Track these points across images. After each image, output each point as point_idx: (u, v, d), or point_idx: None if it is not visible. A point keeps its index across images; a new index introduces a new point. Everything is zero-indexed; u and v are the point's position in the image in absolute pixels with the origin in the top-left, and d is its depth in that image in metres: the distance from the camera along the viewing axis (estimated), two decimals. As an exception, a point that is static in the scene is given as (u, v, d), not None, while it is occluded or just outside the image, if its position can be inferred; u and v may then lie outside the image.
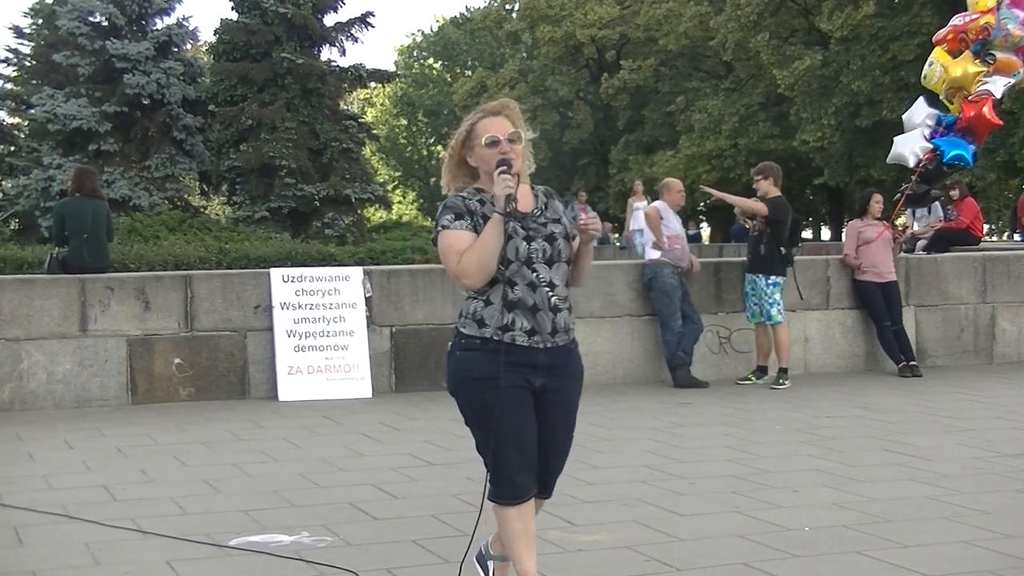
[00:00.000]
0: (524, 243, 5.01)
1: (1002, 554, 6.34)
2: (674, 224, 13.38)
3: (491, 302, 5.03)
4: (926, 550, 6.43)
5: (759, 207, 13.00)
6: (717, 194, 13.32)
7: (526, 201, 5.12)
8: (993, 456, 9.07)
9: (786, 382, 13.02)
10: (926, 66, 15.77)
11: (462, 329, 5.12)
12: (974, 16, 15.37)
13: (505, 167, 4.98)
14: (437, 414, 11.28)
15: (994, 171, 36.33)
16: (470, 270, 4.95)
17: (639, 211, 22.38)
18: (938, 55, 15.54)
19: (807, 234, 59.58)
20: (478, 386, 5.04)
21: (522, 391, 5.06)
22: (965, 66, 15.19)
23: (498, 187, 4.95)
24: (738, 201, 13.33)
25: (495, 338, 5.01)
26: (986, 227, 33.91)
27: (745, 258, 13.62)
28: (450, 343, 5.22)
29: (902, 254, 14.80)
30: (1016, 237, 24.01)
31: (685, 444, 9.72)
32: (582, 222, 5.09)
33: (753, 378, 13.35)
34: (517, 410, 5.06)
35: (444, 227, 5.02)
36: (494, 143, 5.07)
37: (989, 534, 6.75)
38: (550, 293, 5.04)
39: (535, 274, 5.02)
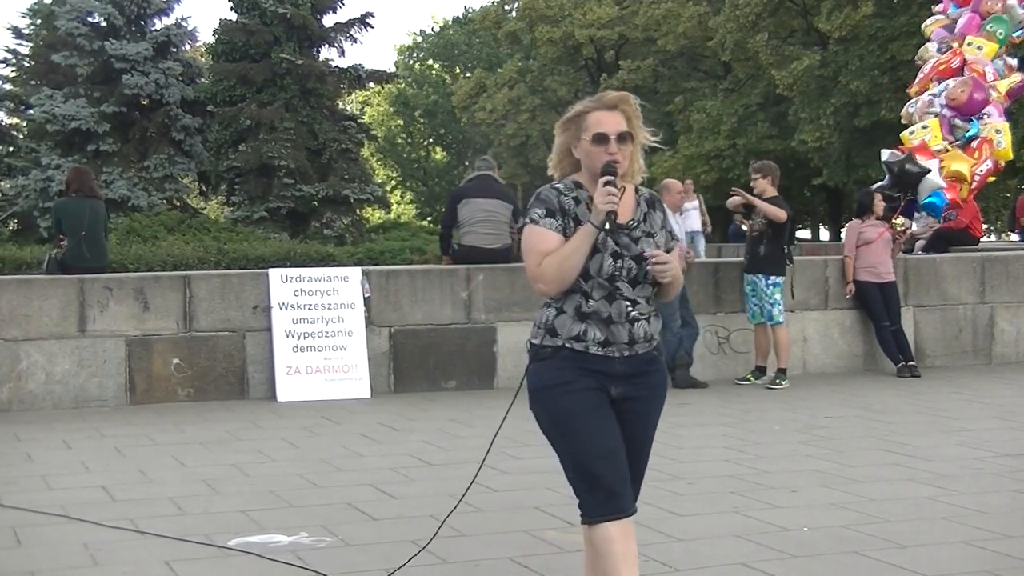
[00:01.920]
0: (611, 259, 4.60)
1: (1000, 554, 6.34)
2: (672, 225, 13.36)
3: (564, 311, 4.66)
4: (924, 550, 6.44)
5: (780, 214, 12.95)
6: (745, 197, 13.24)
7: (625, 208, 4.69)
8: (992, 456, 9.07)
9: (784, 382, 13.02)
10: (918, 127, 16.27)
11: (533, 340, 4.78)
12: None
13: (610, 177, 4.53)
14: (436, 414, 11.29)
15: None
16: (549, 276, 4.58)
17: (691, 212, 21.95)
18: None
19: (806, 234, 59.60)
20: (551, 393, 4.65)
21: (599, 394, 4.64)
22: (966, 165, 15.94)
23: (599, 198, 4.49)
24: (762, 205, 13.19)
25: (567, 346, 4.64)
26: (985, 227, 33.89)
27: (743, 258, 13.62)
28: (526, 361, 4.86)
29: (901, 254, 14.80)
30: (1014, 237, 24.00)
31: (684, 444, 9.71)
32: (650, 262, 4.62)
33: (752, 378, 13.36)
34: (598, 414, 4.63)
35: (533, 221, 4.66)
36: (602, 140, 4.62)
37: (987, 534, 6.75)
38: (629, 308, 4.64)
39: (617, 290, 4.62)
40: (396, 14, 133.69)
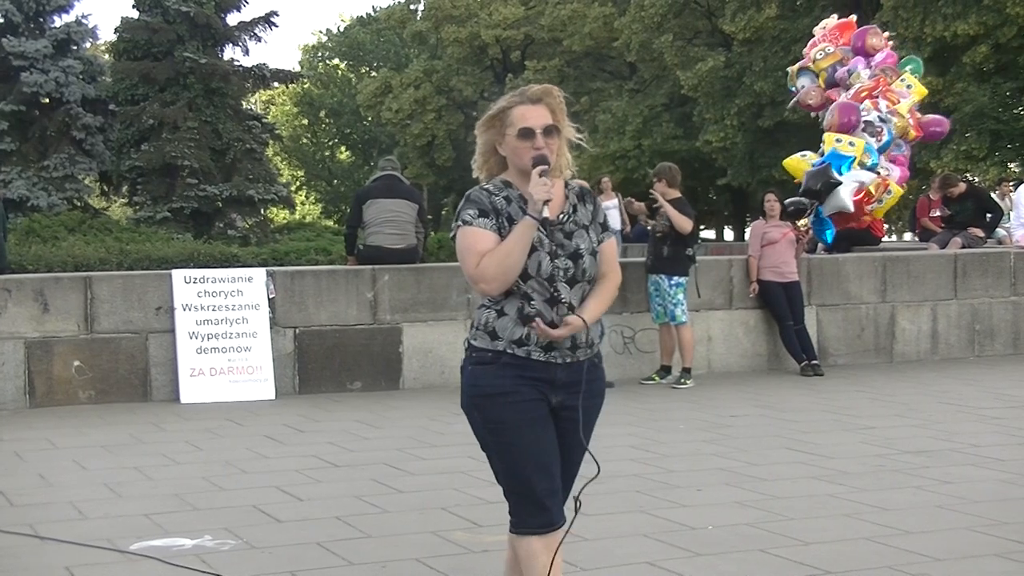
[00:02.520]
0: (548, 259, 4.49)
1: (901, 550, 6.41)
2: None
3: (505, 313, 4.52)
4: (827, 547, 6.49)
5: (686, 224, 13.03)
6: (662, 202, 13.29)
7: (555, 204, 4.56)
8: (894, 453, 9.17)
9: (689, 381, 13.10)
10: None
11: (473, 342, 4.62)
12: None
13: (545, 167, 4.44)
14: (341, 415, 11.24)
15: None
16: (490, 275, 4.43)
17: (611, 211, 21.78)
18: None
19: (710, 234, 60.07)
20: (491, 403, 4.53)
21: (540, 405, 4.57)
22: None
23: (535, 188, 4.39)
24: (672, 213, 13.23)
25: (509, 351, 4.51)
26: (886, 227, 34.37)
27: (647, 259, 13.69)
28: (462, 358, 4.73)
29: (804, 254, 14.94)
30: (915, 237, 24.34)
31: (591, 444, 9.71)
32: (538, 328, 4.47)
33: (657, 378, 13.42)
34: (537, 426, 4.57)
35: (466, 223, 4.50)
36: (527, 135, 4.50)
37: (890, 531, 6.83)
38: (570, 313, 4.50)
39: (555, 292, 4.49)
40: (301, 13, 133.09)
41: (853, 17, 19.64)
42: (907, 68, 17.95)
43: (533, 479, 4.56)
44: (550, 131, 4.53)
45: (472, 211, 4.52)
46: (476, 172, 4.74)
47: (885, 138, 16.98)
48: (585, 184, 4.86)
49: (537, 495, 4.57)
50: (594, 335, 4.64)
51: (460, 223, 4.54)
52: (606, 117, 47.74)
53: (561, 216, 4.58)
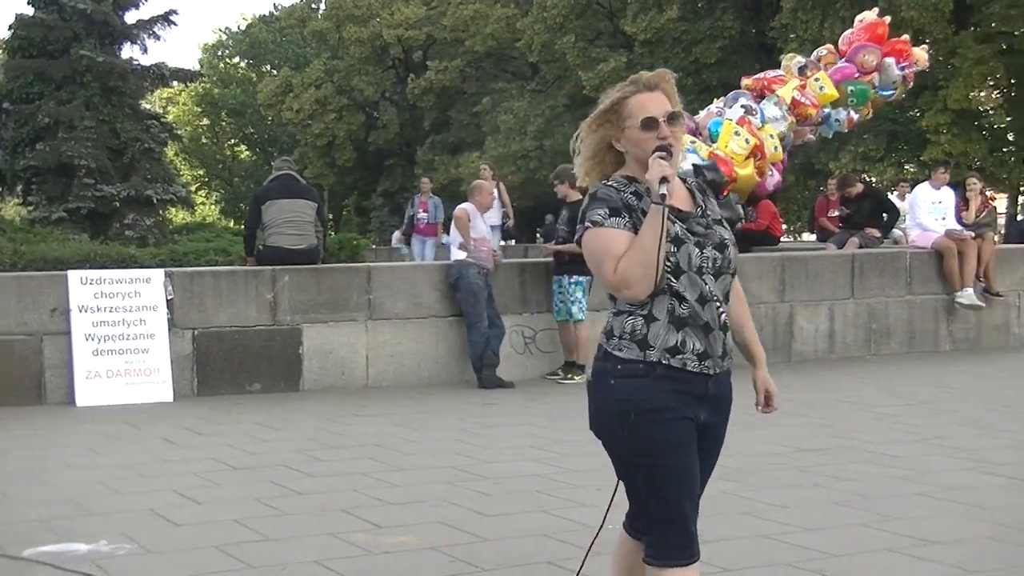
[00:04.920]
0: (696, 250, 4.12)
1: (799, 547, 6.47)
2: (481, 226, 13.50)
3: (655, 318, 4.11)
4: (726, 545, 6.53)
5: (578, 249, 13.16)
6: (560, 250, 13.39)
7: (683, 197, 4.23)
8: (791, 452, 9.27)
9: (579, 377, 13.20)
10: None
11: (616, 352, 4.18)
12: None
13: (664, 153, 4.05)
14: (241, 417, 11.15)
15: (793, 173, 37.29)
16: (633, 278, 4.00)
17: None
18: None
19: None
20: (646, 420, 4.11)
21: (691, 425, 4.20)
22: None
23: (652, 170, 4.01)
24: (564, 249, 13.33)
25: (663, 362, 4.10)
26: (784, 227, 34.77)
27: (550, 259, 13.77)
28: (591, 370, 4.36)
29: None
30: (808, 236, 24.63)
31: (491, 444, 9.74)
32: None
33: (561, 374, 13.49)
34: (690, 449, 4.20)
35: (596, 223, 4.09)
36: (651, 125, 4.12)
37: (786, 528, 6.89)
38: (720, 309, 4.19)
39: (706, 286, 4.13)
40: (201, 11, 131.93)
41: (887, 19, 19.02)
42: (849, 89, 17.55)
43: (685, 506, 4.18)
44: (674, 118, 4.17)
45: (602, 210, 4.11)
46: (581, 180, 4.37)
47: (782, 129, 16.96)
48: (701, 181, 4.49)
49: (688, 525, 4.20)
50: (731, 343, 4.34)
51: (589, 224, 4.13)
52: (508, 118, 47.81)
53: (696, 209, 4.24)
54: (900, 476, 8.39)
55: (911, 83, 19.07)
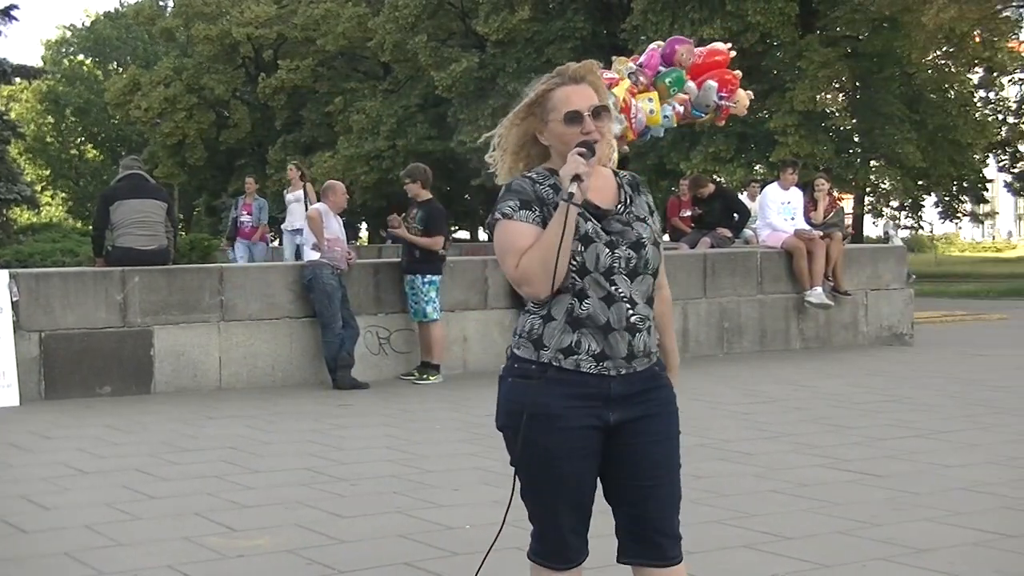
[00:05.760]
0: (606, 250, 3.94)
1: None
2: (334, 226, 13.45)
3: (552, 318, 3.98)
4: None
5: (435, 244, 13.28)
6: (404, 237, 13.39)
7: (607, 193, 4.06)
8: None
9: (434, 378, 13.22)
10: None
11: (516, 351, 4.13)
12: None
13: (584, 150, 3.87)
14: (91, 421, 10.95)
15: (645, 174, 37.72)
16: (533, 274, 3.88)
17: (295, 204, 21.08)
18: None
19: (464, 235, 60.45)
20: (533, 424, 4.02)
21: (589, 434, 4.04)
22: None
23: (567, 167, 3.85)
24: (418, 241, 13.36)
25: (555, 363, 3.98)
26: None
27: (402, 259, 13.77)
28: (502, 367, 4.27)
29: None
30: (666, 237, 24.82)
31: (346, 445, 9.70)
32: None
33: (417, 374, 13.48)
34: (580, 459, 4.09)
35: (505, 215, 3.97)
36: (575, 119, 3.98)
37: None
38: (630, 311, 3.97)
39: (614, 287, 3.95)
40: (44, 7, 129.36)
41: (733, 53, 18.91)
42: (667, 80, 17.62)
43: (562, 515, 4.20)
44: (599, 112, 4.01)
45: (513, 202, 3.99)
46: (504, 176, 4.20)
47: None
48: (636, 175, 4.30)
49: (562, 532, 4.21)
50: (651, 344, 4.07)
51: (499, 216, 4.00)
52: (360, 117, 47.70)
53: (618, 206, 4.06)
54: (754, 473, 8.52)
55: (722, 122, 19.15)
